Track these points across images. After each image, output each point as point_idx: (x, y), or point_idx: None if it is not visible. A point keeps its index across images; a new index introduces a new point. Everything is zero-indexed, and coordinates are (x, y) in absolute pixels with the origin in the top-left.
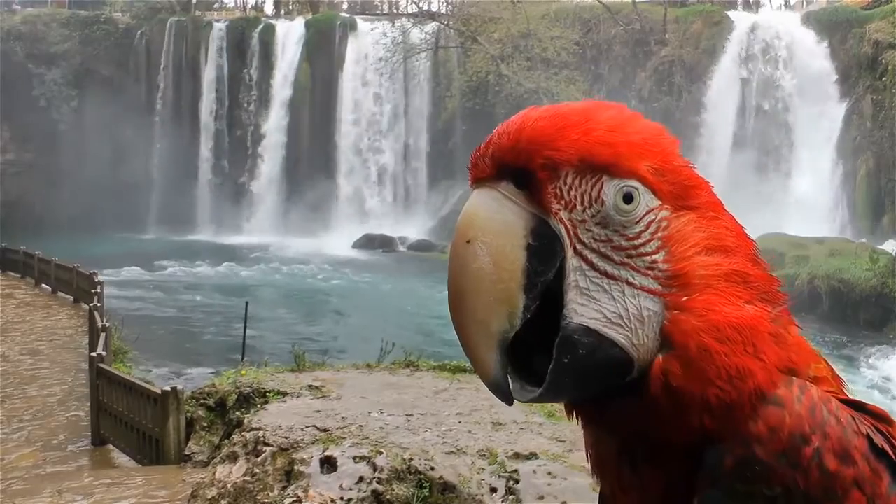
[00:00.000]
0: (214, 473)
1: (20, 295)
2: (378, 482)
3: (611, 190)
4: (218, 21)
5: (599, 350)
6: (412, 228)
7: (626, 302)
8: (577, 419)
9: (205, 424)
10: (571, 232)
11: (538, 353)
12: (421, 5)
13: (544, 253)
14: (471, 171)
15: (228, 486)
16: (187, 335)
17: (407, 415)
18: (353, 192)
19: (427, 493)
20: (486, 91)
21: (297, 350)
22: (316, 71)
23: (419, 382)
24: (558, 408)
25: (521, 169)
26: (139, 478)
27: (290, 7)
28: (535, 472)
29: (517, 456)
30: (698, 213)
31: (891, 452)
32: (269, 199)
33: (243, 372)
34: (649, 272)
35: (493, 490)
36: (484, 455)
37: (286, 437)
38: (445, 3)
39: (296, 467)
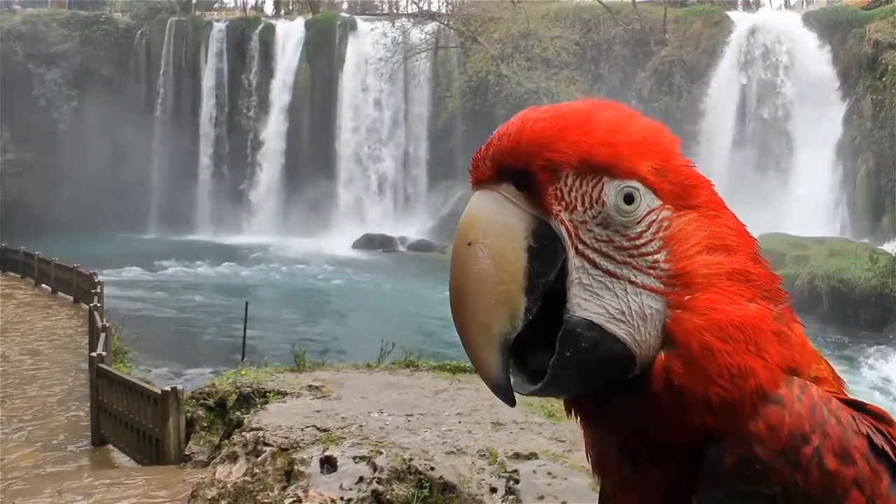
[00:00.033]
0: (214, 473)
1: (20, 295)
2: (378, 482)
3: (612, 191)
4: (218, 21)
5: (602, 344)
6: (412, 228)
7: (628, 299)
8: (577, 418)
9: (205, 424)
10: (573, 233)
11: (539, 351)
12: (421, 5)
13: (545, 254)
14: (472, 172)
15: (228, 486)
16: (187, 335)
17: (407, 415)
18: (353, 201)
19: (427, 493)
20: (486, 91)
21: (297, 350)
22: (316, 71)
23: (419, 382)
24: (558, 408)
25: (521, 171)
26: (139, 478)
27: (290, 7)
28: (535, 472)
29: (517, 456)
30: (699, 213)
31: (891, 453)
32: (269, 206)
33: (243, 372)
34: (651, 271)
35: (493, 490)
36: (484, 455)
37: (286, 437)
38: (445, 3)
39: (296, 467)
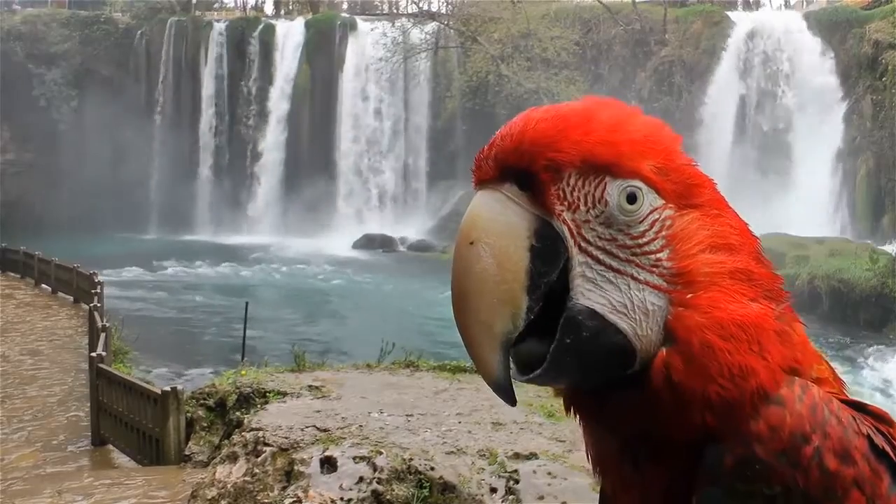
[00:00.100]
0: (214, 473)
1: (20, 295)
2: (378, 482)
3: (614, 190)
4: (218, 21)
5: (603, 334)
6: (412, 228)
7: (631, 294)
8: (577, 417)
9: (205, 424)
10: (575, 232)
11: (536, 343)
12: (421, 5)
13: (547, 254)
14: (474, 172)
15: (228, 486)
16: (187, 335)
17: (407, 415)
18: (353, 213)
19: (427, 493)
20: (486, 91)
21: (297, 350)
22: (316, 72)
23: (419, 382)
24: (558, 408)
25: (524, 171)
26: (139, 478)
27: (290, 7)
28: (535, 472)
29: (517, 456)
30: (702, 212)
31: (891, 453)
32: (269, 207)
33: (243, 372)
34: (654, 269)
35: (493, 490)
36: (484, 455)
37: (286, 438)
38: (445, 3)
39: (296, 467)
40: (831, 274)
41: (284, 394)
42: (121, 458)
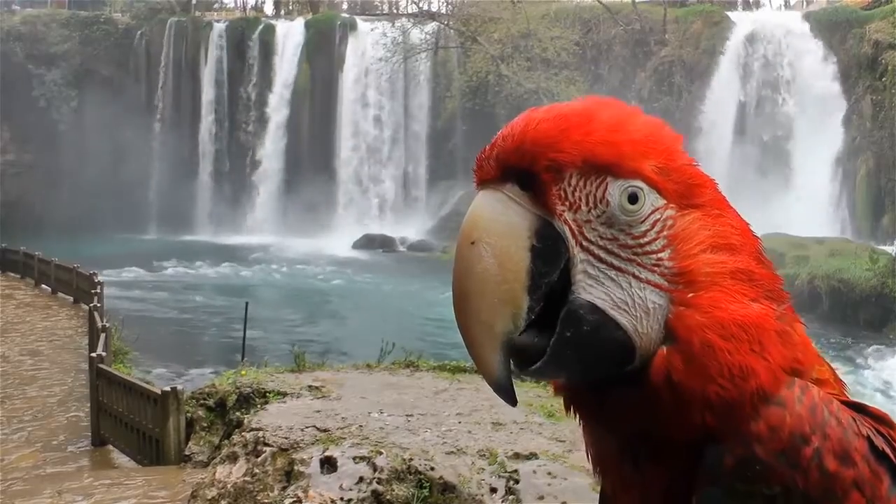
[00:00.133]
0: (214, 474)
1: (20, 295)
2: (378, 482)
3: (615, 191)
4: (218, 21)
5: (604, 329)
6: (412, 229)
7: (632, 292)
8: (576, 416)
9: (205, 425)
10: (576, 232)
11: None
12: (421, 5)
13: (549, 254)
14: (476, 172)
15: (228, 486)
16: (187, 336)
17: (407, 415)
18: (354, 220)
19: (427, 494)
20: (486, 91)
21: (297, 350)
22: (316, 72)
23: (419, 383)
24: (558, 408)
25: (525, 171)
26: (139, 478)
27: (290, 7)
28: (535, 472)
29: (517, 456)
30: (703, 212)
31: (891, 455)
32: (269, 206)
33: (243, 372)
34: (655, 269)
35: (493, 490)
36: (484, 455)
37: (286, 438)
38: (445, 3)
39: (296, 467)
40: (831, 274)
41: (284, 394)
42: (121, 459)
